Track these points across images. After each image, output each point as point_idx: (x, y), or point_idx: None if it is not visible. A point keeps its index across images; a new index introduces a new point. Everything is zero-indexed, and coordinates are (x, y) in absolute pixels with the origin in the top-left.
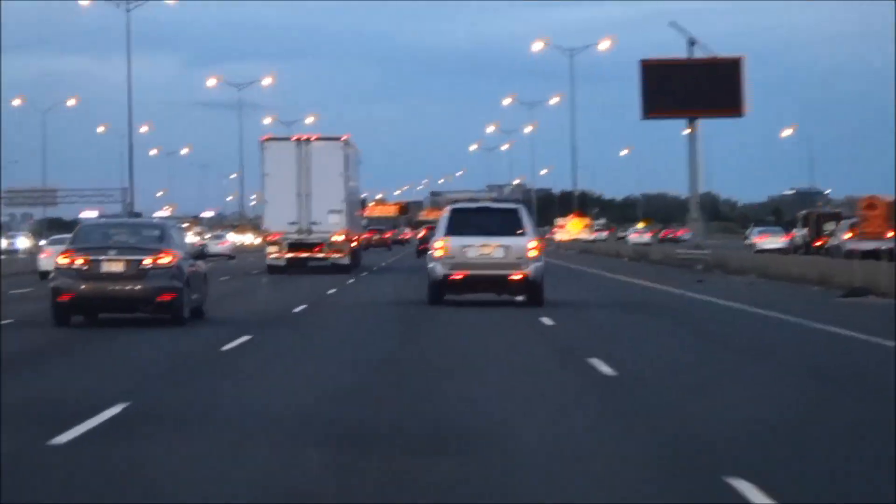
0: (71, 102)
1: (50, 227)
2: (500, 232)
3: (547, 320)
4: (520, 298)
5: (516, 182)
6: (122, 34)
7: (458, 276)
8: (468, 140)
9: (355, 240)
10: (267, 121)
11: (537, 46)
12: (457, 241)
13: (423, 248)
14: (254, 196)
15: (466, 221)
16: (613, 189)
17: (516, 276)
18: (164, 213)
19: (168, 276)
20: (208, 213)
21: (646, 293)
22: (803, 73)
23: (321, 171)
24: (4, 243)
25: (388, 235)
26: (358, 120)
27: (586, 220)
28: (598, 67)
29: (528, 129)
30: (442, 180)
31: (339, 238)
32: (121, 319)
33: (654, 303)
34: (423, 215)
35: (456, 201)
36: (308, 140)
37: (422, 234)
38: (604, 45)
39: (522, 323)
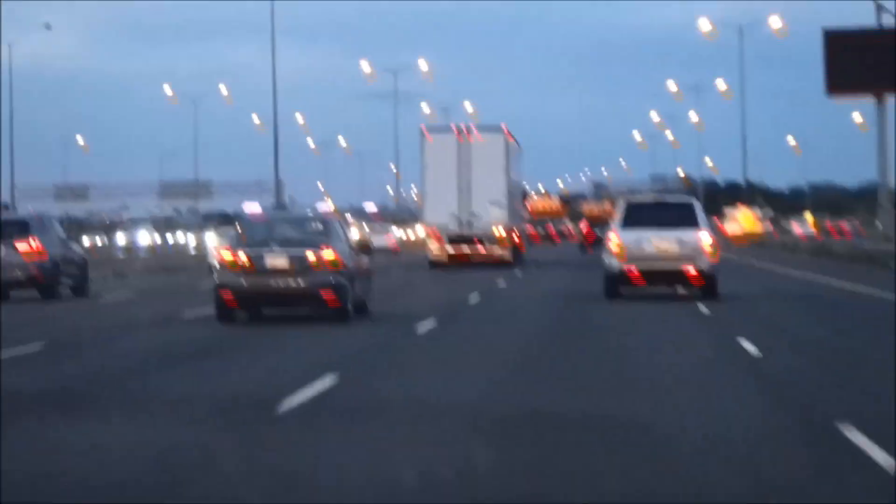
0: (223, 93)
1: (215, 221)
2: (675, 226)
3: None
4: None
5: (680, 175)
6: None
7: (634, 269)
8: (631, 129)
9: (517, 233)
10: (424, 108)
11: (705, 26)
12: (633, 236)
13: (586, 242)
14: (412, 188)
15: (642, 216)
16: (780, 178)
17: (692, 270)
18: (324, 205)
19: (331, 272)
20: (370, 206)
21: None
22: None
23: (482, 163)
24: (122, 240)
25: (553, 231)
26: (516, 110)
27: (755, 212)
28: (766, 50)
29: (693, 118)
30: (604, 170)
31: (500, 231)
32: (284, 316)
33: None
34: (585, 209)
35: (623, 194)
36: (468, 131)
37: (585, 229)
38: (775, 22)
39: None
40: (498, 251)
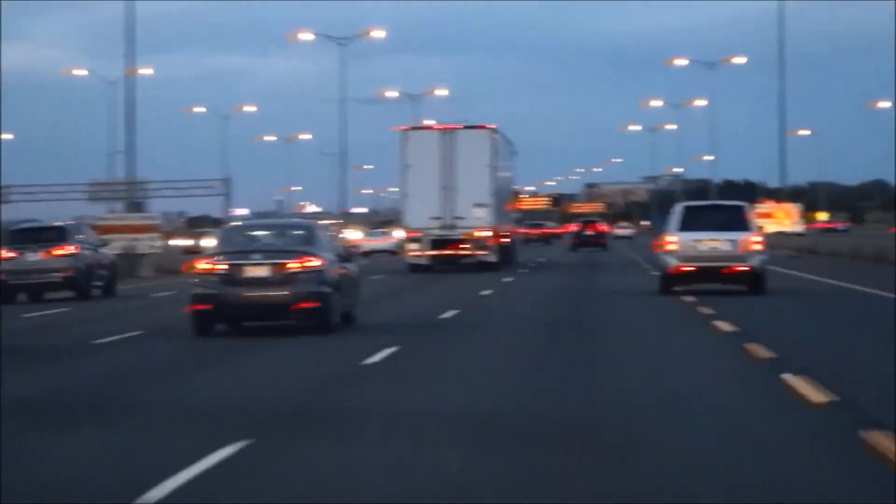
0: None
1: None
2: (727, 227)
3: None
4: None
5: (675, 170)
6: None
7: (688, 268)
8: (623, 131)
9: (505, 235)
10: (392, 93)
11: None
12: (687, 236)
13: (576, 242)
14: (393, 189)
15: (697, 218)
16: (778, 177)
17: (742, 268)
18: (311, 209)
19: (315, 281)
20: (359, 210)
21: None
22: None
23: (466, 163)
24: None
25: (546, 231)
26: (509, 112)
27: (795, 210)
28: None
29: (670, 125)
30: (599, 169)
31: (485, 233)
32: (265, 328)
33: None
34: (576, 209)
35: (617, 193)
36: (453, 129)
37: (576, 228)
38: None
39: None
40: (484, 254)
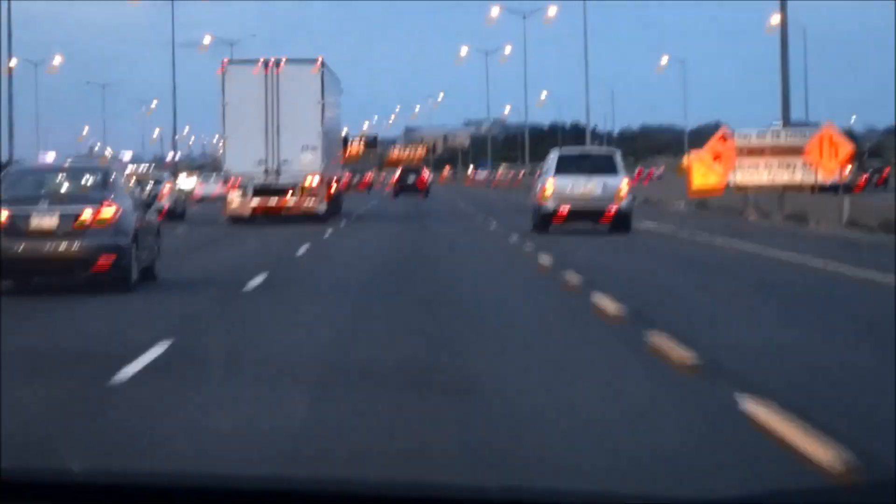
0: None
1: None
2: (598, 172)
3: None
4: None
5: (499, 117)
6: None
7: (564, 209)
8: (447, 70)
9: (335, 182)
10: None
11: None
12: (563, 181)
13: (397, 188)
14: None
15: (570, 164)
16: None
17: (611, 210)
18: (118, 156)
19: (111, 233)
20: (126, 154)
21: None
22: None
23: (293, 100)
24: None
25: (368, 178)
26: (328, 55)
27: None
28: None
29: (506, 52)
30: (417, 108)
31: (314, 181)
32: (58, 286)
33: None
34: (395, 155)
35: (437, 137)
36: (277, 62)
37: (397, 175)
38: None
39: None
40: (311, 204)
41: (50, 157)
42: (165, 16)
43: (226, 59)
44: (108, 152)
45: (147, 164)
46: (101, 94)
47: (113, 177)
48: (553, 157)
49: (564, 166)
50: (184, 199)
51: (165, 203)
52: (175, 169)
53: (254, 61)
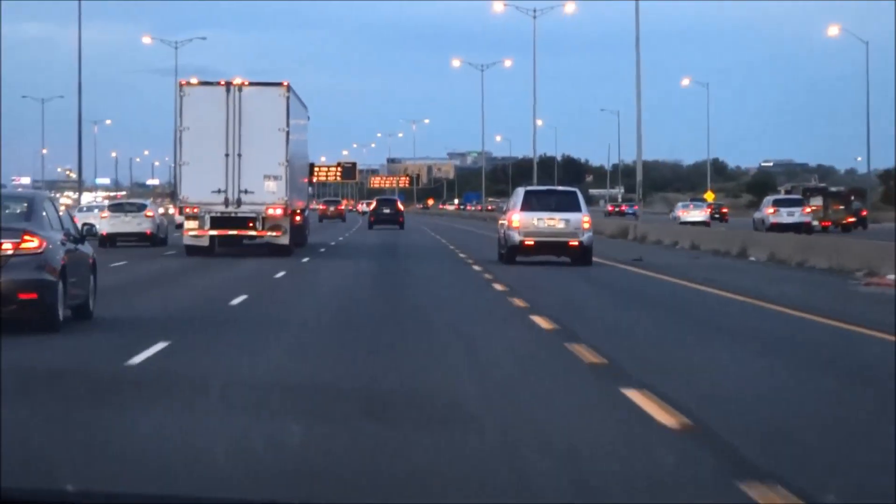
0: None
1: None
2: (561, 209)
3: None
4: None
5: (482, 150)
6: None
7: (529, 242)
8: (425, 107)
9: (299, 213)
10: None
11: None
12: (529, 215)
13: (372, 219)
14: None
15: (536, 200)
16: (598, 156)
17: (574, 243)
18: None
19: (34, 266)
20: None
21: None
22: None
23: (256, 125)
24: None
25: (342, 207)
26: (310, 90)
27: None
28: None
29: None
30: (401, 134)
31: (277, 211)
32: None
33: None
34: (376, 182)
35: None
36: (240, 86)
37: (372, 205)
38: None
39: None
40: (274, 236)
41: (25, 182)
42: (169, 51)
43: (182, 81)
44: (70, 174)
45: (124, 191)
46: (59, 114)
47: (38, 206)
48: (520, 192)
49: (530, 202)
50: (166, 224)
51: (147, 228)
52: (168, 194)
53: (214, 83)
